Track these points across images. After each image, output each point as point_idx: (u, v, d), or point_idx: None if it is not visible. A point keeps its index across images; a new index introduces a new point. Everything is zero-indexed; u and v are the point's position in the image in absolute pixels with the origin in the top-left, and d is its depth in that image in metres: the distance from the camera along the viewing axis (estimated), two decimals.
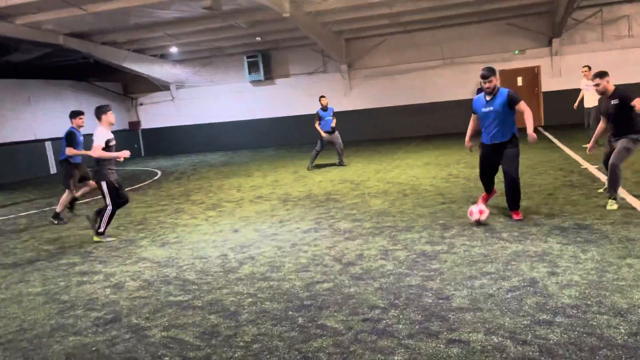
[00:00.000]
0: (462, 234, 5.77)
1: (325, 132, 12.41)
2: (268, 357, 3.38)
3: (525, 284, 4.16)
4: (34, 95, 18.19)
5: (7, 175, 16.15)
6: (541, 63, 18.06)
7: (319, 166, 12.90)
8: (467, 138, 6.57)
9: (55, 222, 8.58)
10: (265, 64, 20.27)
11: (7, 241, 7.63)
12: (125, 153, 7.05)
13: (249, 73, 20.27)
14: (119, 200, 7.05)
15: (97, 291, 5.01)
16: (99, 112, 7.05)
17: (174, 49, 18.99)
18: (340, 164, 12.79)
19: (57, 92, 19.19)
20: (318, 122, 12.43)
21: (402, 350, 3.29)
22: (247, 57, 20.18)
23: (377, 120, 19.33)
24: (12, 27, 13.48)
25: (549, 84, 18.06)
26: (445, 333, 3.46)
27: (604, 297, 3.76)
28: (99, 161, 6.92)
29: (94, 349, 3.75)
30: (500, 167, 6.20)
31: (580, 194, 7.11)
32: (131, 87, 22.35)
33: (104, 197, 6.96)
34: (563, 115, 17.77)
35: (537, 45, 18.03)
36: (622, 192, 6.94)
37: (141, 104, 22.60)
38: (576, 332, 3.29)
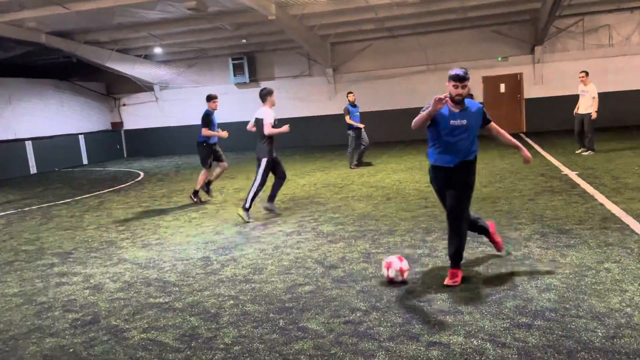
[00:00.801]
0: (444, 237, 5.80)
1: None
2: (248, 359, 3.35)
3: (505, 287, 4.20)
4: (14, 94, 17.91)
5: None
6: (524, 70, 18.30)
7: (324, 168, 12.88)
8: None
9: (195, 199, 9.23)
10: (250, 66, 20.21)
11: None
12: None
13: (234, 75, 20.19)
14: (279, 176, 7.75)
15: (76, 292, 4.94)
16: (265, 94, 7.80)
17: (158, 50, 18.85)
18: (360, 164, 12.67)
19: (38, 91, 18.91)
20: (348, 116, 12.40)
21: (383, 352, 3.29)
22: (232, 59, 20.10)
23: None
24: None
25: (531, 91, 18.29)
26: (425, 336, 3.47)
27: (582, 301, 3.81)
28: (264, 138, 7.57)
29: (71, 350, 3.69)
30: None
31: (561, 200, 7.21)
32: (114, 87, 22.11)
33: (257, 171, 7.49)
34: (544, 122, 18.05)
35: (520, 53, 18.27)
36: (601, 198, 7.05)
37: (124, 105, 22.37)
38: (554, 335, 3.33)
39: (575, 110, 11.71)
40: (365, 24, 17.01)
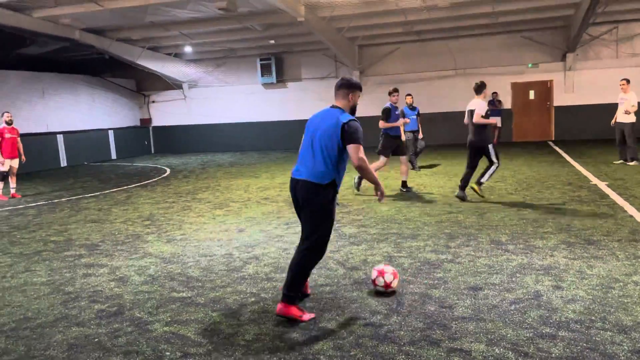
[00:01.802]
0: (468, 244, 5.75)
1: (409, 131, 12.07)
2: (268, 356, 3.38)
3: (529, 296, 4.14)
4: (47, 88, 18.37)
5: (18, 165, 16.28)
6: (554, 77, 17.99)
7: None
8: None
9: (404, 190, 9.45)
10: (277, 67, 20.35)
11: (15, 231, 7.70)
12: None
13: (262, 75, 20.35)
14: (470, 165, 8.30)
15: (102, 284, 5.04)
16: (479, 87, 8.40)
17: (188, 48, 19.11)
18: (414, 168, 12.41)
19: (70, 86, 19.36)
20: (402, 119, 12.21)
21: (403, 356, 3.28)
22: (260, 60, 20.27)
23: None
24: (30, 20, 13.63)
25: (561, 98, 17.98)
26: (446, 342, 3.45)
27: (609, 314, 3.73)
28: (480, 127, 8.12)
29: (95, 340, 3.77)
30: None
31: (589, 210, 7.07)
32: (144, 85, 22.50)
33: (489, 158, 8.09)
34: (574, 130, 17.72)
35: (550, 60, 17.96)
36: (631, 210, 6.90)
37: (153, 102, 22.74)
38: (579, 347, 3.27)
39: (612, 121, 11.47)
40: (394, 27, 16.95)
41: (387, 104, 9.59)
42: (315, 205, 3.93)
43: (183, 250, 6.15)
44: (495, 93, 18.35)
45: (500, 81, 18.42)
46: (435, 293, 4.33)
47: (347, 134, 3.95)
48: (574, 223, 6.42)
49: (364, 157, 3.99)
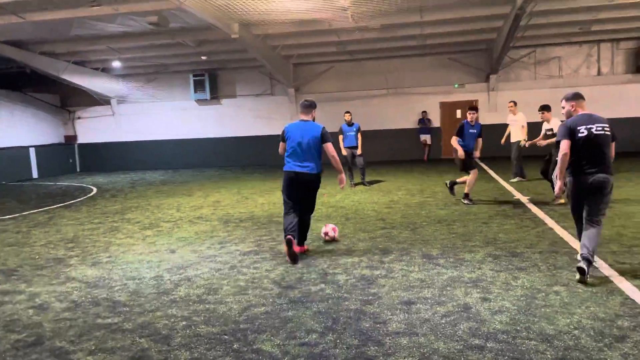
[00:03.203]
0: (401, 259, 5.86)
1: (347, 147, 12.27)
2: None
3: (459, 309, 4.25)
4: None
5: None
6: (479, 97, 18.91)
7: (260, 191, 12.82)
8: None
9: (466, 202, 9.32)
10: (211, 83, 20.11)
11: None
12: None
13: (195, 91, 20.03)
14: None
15: (19, 312, 4.70)
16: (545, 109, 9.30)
17: (116, 63, 18.51)
18: (364, 183, 12.49)
19: None
20: (341, 137, 12.38)
21: None
22: (194, 76, 19.96)
23: None
24: None
25: (485, 117, 18.89)
26: (381, 358, 3.46)
27: (533, 323, 3.90)
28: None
29: None
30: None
31: (513, 224, 7.41)
32: (69, 100, 21.52)
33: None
34: (498, 147, 18.62)
35: (475, 80, 18.90)
36: (550, 223, 7.30)
37: (79, 118, 21.77)
38: (506, 357, 3.39)
39: (502, 140, 12.13)
40: (328, 47, 17.26)
41: (463, 121, 9.61)
42: (317, 188, 6.23)
43: (109, 273, 5.86)
44: (424, 112, 19.03)
45: (430, 100, 19.14)
46: (370, 309, 4.36)
47: (325, 137, 6.08)
48: (499, 236, 6.70)
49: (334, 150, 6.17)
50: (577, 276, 4.75)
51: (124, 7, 11.69)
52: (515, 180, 11.81)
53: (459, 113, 19.24)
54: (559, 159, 4.98)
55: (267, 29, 14.52)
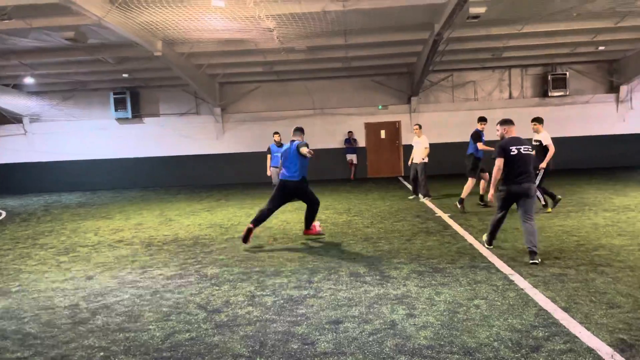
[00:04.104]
0: (329, 278, 5.88)
1: (273, 167, 12.55)
2: None
3: (386, 326, 4.31)
4: None
5: None
6: (401, 118, 19.60)
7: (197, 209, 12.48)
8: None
9: (459, 206, 10.11)
10: (133, 101, 19.49)
11: None
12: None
13: (115, 110, 19.32)
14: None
15: None
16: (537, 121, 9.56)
17: (29, 80, 17.49)
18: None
19: None
20: (269, 156, 12.70)
21: None
22: (114, 94, 19.26)
23: (250, 164, 19.32)
24: None
25: (407, 138, 19.59)
26: None
27: (455, 337, 4.02)
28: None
29: None
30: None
31: (435, 240, 7.68)
32: None
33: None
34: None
35: (398, 102, 19.60)
36: (470, 239, 7.62)
37: None
38: None
39: (410, 161, 12.56)
40: (254, 67, 17.27)
41: (478, 129, 10.62)
42: (304, 189, 8.03)
43: (19, 303, 5.43)
44: (350, 132, 19.44)
45: (355, 121, 19.60)
46: (299, 330, 4.32)
47: (300, 145, 7.76)
48: (423, 253, 6.91)
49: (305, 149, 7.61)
50: (530, 261, 6.04)
51: (37, 22, 11.12)
52: (425, 199, 12.22)
53: (383, 133, 19.84)
54: (494, 172, 6.41)
55: (192, 48, 14.32)
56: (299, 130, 8.23)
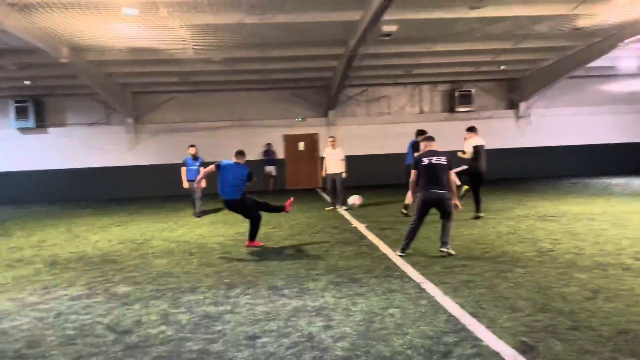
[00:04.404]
0: (247, 292, 5.81)
1: (189, 180, 12.41)
2: None
3: (303, 339, 4.32)
4: None
5: None
6: (319, 131, 19.89)
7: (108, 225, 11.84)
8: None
9: (405, 211, 10.65)
10: (37, 110, 18.29)
11: None
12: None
13: (17, 119, 18.02)
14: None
15: None
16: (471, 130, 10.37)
17: None
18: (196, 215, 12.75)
19: None
20: (184, 169, 12.51)
21: None
22: (15, 102, 17.97)
23: (165, 176, 18.67)
24: None
25: (325, 150, 19.91)
26: None
27: (371, 347, 4.11)
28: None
29: None
30: None
31: (352, 250, 7.82)
32: None
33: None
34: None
35: (316, 115, 19.88)
36: (384, 248, 7.85)
37: None
38: None
39: (322, 173, 12.90)
40: (169, 77, 16.83)
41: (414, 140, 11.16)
42: (245, 204, 8.38)
43: None
44: (269, 144, 19.43)
45: (274, 133, 19.62)
46: (215, 348, 4.22)
47: (251, 172, 8.39)
48: (339, 264, 7.02)
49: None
50: (440, 248, 7.13)
51: None
52: (344, 207, 12.51)
53: (301, 145, 20.00)
54: (410, 181, 7.30)
55: (102, 55, 13.70)
56: (241, 154, 8.66)
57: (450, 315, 4.74)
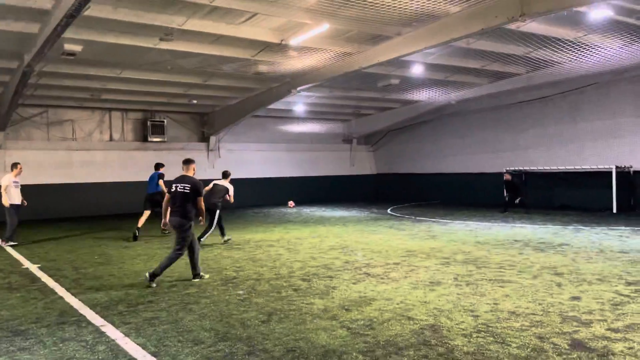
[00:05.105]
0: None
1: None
2: None
3: None
4: None
5: None
6: None
7: None
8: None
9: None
10: None
11: None
12: None
13: None
14: None
15: None
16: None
17: None
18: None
19: None
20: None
21: None
22: None
23: None
24: None
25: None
26: None
27: None
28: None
29: None
30: None
31: (19, 297, 6.71)
32: None
33: None
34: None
35: None
36: (61, 291, 6.99)
37: None
38: None
39: (3, 201, 11.31)
40: None
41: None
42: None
43: None
44: None
45: None
46: None
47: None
48: (2, 314, 5.91)
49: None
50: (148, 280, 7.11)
51: None
52: (9, 244, 11.05)
53: None
54: (164, 203, 7.47)
55: None
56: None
57: (131, 358, 4.46)
